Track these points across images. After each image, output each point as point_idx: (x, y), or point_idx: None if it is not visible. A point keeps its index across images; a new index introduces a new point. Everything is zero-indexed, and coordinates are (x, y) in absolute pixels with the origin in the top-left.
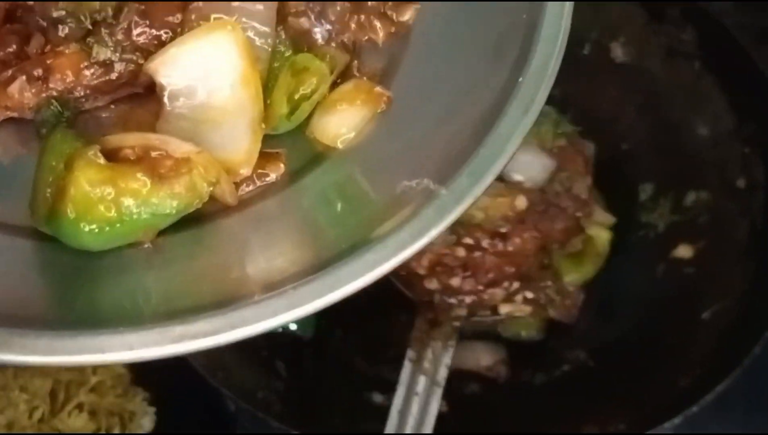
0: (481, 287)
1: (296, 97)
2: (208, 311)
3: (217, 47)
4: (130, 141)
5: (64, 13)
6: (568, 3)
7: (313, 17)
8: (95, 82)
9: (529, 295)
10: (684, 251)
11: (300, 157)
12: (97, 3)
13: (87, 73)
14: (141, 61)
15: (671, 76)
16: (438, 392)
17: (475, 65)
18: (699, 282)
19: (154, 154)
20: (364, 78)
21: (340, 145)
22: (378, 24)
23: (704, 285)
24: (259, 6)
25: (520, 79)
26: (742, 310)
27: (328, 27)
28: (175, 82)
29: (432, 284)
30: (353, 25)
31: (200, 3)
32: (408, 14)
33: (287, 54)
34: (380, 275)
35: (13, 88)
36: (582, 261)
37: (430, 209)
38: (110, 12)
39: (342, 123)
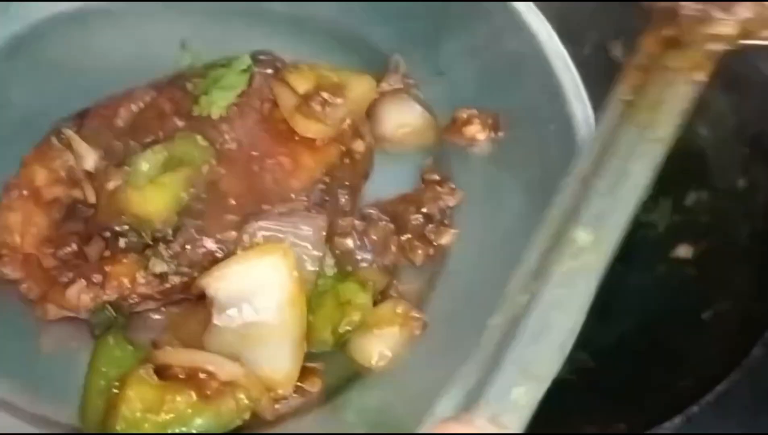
0: None
1: (340, 331)
2: None
3: (268, 269)
4: (180, 361)
5: (127, 227)
6: None
7: (356, 237)
8: (149, 291)
9: None
10: (684, 251)
11: (336, 373)
12: (159, 223)
13: (142, 282)
14: (195, 274)
15: None
16: (657, 151)
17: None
18: (699, 282)
19: (201, 375)
20: (402, 300)
21: (375, 366)
22: (418, 246)
23: (704, 285)
24: (311, 230)
25: None
26: (743, 311)
27: (370, 248)
28: (226, 298)
29: None
30: (394, 248)
31: (255, 223)
32: (446, 238)
33: (331, 273)
34: None
35: (72, 292)
36: None
37: None
38: (170, 231)
39: (379, 345)
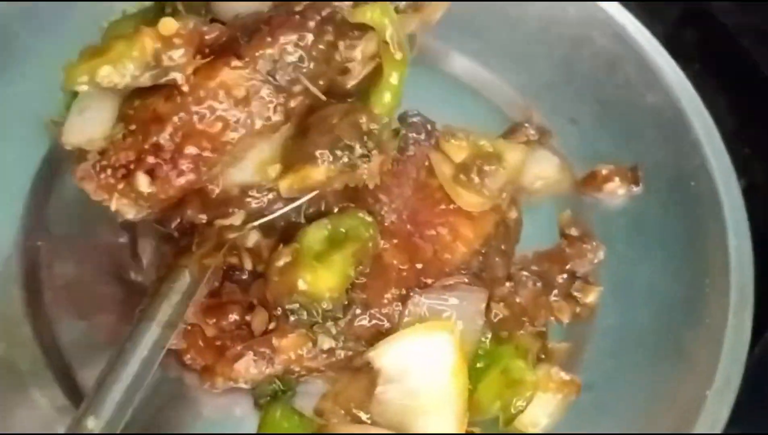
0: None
1: (513, 411)
2: None
3: (436, 345)
4: None
5: (297, 305)
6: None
7: (510, 303)
8: (316, 365)
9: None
10: None
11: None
12: (329, 302)
13: (309, 356)
14: (360, 348)
15: None
16: (168, 333)
17: (658, 365)
18: None
19: None
20: (555, 363)
21: (534, 432)
22: (564, 305)
23: None
24: (473, 303)
25: (707, 392)
26: None
27: (522, 313)
28: (393, 371)
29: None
30: (543, 311)
31: (420, 297)
32: (592, 296)
33: (486, 338)
34: None
35: (241, 365)
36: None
37: None
38: (340, 307)
39: (536, 411)
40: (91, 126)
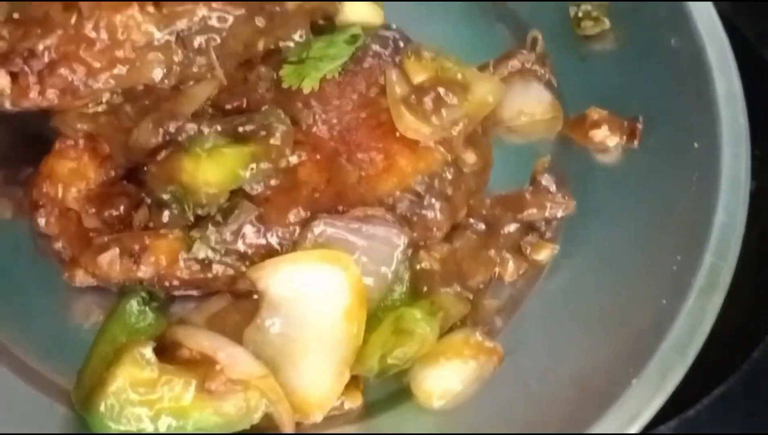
0: None
1: (389, 360)
2: None
3: (329, 277)
4: (190, 342)
5: (170, 197)
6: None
7: (442, 258)
8: (188, 276)
9: None
10: None
11: (381, 388)
12: (204, 197)
13: (182, 265)
14: (243, 269)
15: None
16: None
17: (592, 340)
18: None
19: (212, 365)
20: (477, 328)
21: (435, 406)
22: (510, 259)
23: None
24: (386, 244)
25: (634, 381)
26: (746, 315)
27: (455, 272)
28: (278, 297)
29: None
30: (482, 268)
31: (324, 223)
32: (544, 254)
33: (402, 290)
34: None
35: (103, 259)
36: None
37: None
38: (215, 209)
39: (442, 380)
40: None
